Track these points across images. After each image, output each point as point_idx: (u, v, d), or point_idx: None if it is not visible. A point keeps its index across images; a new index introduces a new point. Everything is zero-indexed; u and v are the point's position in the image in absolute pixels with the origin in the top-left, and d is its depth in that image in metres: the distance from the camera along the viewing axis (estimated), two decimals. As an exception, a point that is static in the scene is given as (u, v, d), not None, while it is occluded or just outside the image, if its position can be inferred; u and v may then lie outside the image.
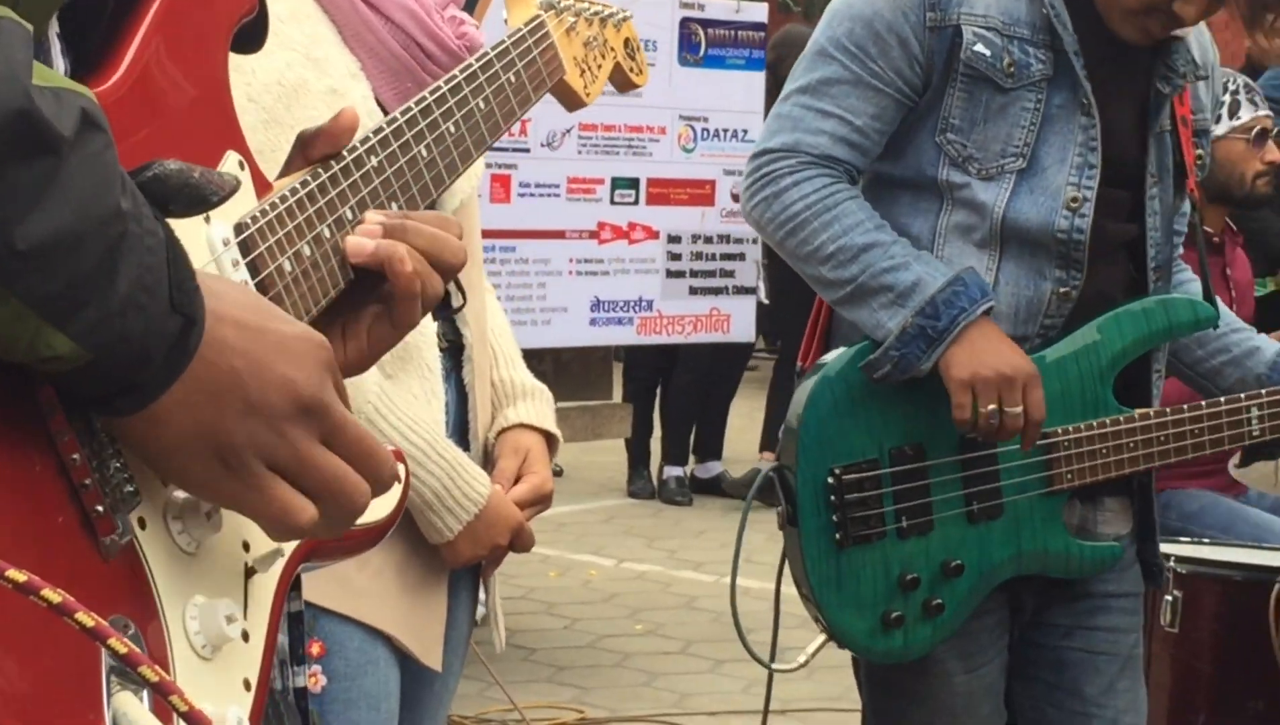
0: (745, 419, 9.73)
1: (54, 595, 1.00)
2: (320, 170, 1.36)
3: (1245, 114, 4.59)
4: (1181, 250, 2.97)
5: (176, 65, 1.24)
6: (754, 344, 8.71)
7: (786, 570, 2.81)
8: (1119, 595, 2.88)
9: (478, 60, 1.62)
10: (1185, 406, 2.82)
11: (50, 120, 1.03)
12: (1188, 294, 2.98)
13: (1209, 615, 3.78)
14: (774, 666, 2.84)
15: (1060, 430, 2.76)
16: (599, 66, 1.98)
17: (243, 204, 1.28)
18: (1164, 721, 3.65)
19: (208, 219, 1.25)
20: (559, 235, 6.42)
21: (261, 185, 1.34)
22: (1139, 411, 2.81)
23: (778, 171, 2.72)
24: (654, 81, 8.33)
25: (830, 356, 2.76)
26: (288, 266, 1.30)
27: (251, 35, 1.34)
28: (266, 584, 1.28)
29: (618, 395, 7.84)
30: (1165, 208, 2.83)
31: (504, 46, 1.69)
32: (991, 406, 2.64)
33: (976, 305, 2.66)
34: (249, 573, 1.26)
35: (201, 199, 1.19)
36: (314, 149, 1.39)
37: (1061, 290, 2.75)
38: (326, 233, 1.34)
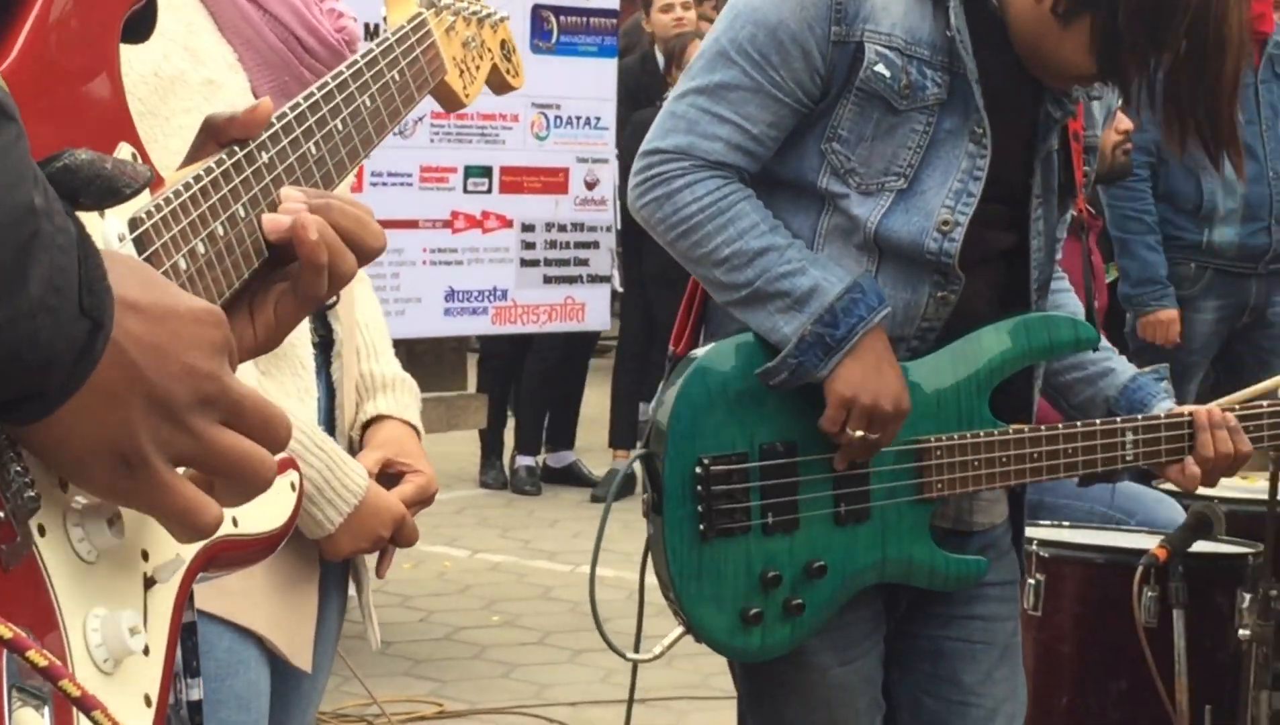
0: (598, 409, 9.71)
1: None
2: (213, 165, 1.31)
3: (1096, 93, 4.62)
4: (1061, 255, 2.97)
5: (68, 52, 1.20)
6: (599, 334, 8.68)
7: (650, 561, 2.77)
8: (995, 584, 2.88)
9: (363, 57, 1.59)
10: (1061, 425, 2.82)
11: None
12: (1066, 308, 3.01)
13: (1071, 598, 3.83)
14: (631, 656, 2.80)
15: (934, 438, 2.76)
16: (477, 68, 1.95)
17: (136, 199, 1.24)
18: (1028, 704, 3.67)
19: (102, 214, 1.20)
20: (412, 225, 6.36)
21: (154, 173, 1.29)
22: (1014, 426, 2.80)
23: (670, 173, 2.70)
24: (506, 69, 8.28)
25: (706, 348, 2.73)
26: (183, 264, 1.26)
27: (140, 25, 1.31)
28: (165, 595, 1.24)
29: (472, 385, 7.78)
30: (1049, 227, 2.83)
31: (388, 44, 1.66)
32: (860, 433, 2.65)
33: (874, 313, 2.65)
34: (148, 583, 1.22)
35: (113, 191, 1.15)
36: (225, 135, 1.35)
37: (939, 295, 2.75)
38: (220, 231, 1.30)
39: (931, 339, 2.78)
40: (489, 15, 1.96)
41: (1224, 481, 4.69)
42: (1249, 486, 4.55)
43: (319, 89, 1.49)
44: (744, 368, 2.70)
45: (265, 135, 1.38)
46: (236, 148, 1.34)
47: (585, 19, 6.87)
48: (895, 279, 2.73)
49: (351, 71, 1.56)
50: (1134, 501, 4.42)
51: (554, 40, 6.74)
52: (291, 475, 1.50)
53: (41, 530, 1.13)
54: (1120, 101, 4.71)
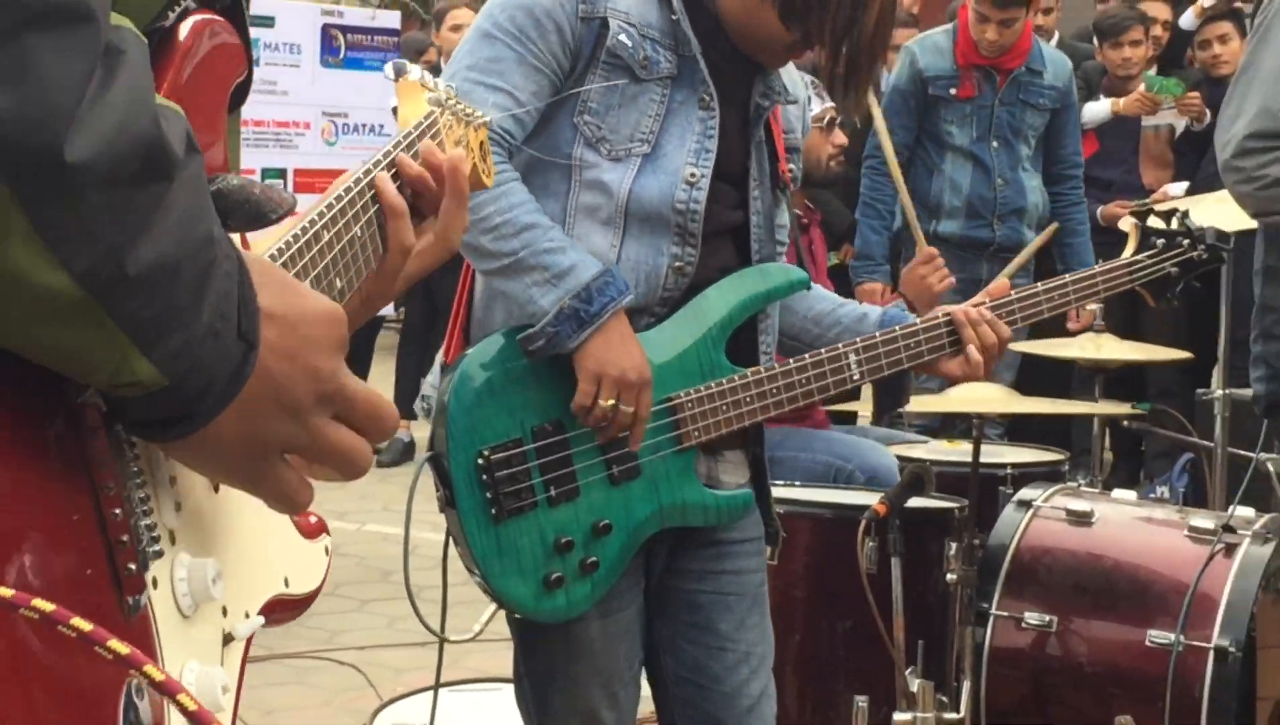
0: (383, 385, 9.61)
1: (122, 645, 0.90)
2: (299, 233, 1.26)
3: (816, 107, 4.75)
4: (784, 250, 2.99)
5: (191, 119, 1.12)
6: (383, 318, 8.62)
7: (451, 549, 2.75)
8: (743, 541, 2.91)
9: (384, 156, 1.52)
10: (791, 360, 2.84)
11: (172, 145, 0.95)
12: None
13: (803, 548, 3.87)
14: (448, 638, 2.78)
15: (683, 393, 2.78)
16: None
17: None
18: (767, 642, 3.72)
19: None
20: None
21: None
22: (751, 370, 2.83)
23: None
24: (299, 81, 8.18)
25: (468, 352, 2.72)
26: None
27: (239, 96, 1.27)
28: (235, 652, 1.21)
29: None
30: (765, 207, 2.88)
31: (410, 139, 1.59)
32: (610, 401, 2.65)
33: (623, 296, 2.66)
34: (226, 639, 1.19)
35: (260, 215, 1.12)
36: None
37: (677, 265, 2.75)
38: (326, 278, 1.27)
39: (672, 309, 2.80)
40: (473, 116, 1.88)
41: (933, 444, 4.84)
42: (955, 449, 4.69)
43: (354, 182, 1.43)
44: (504, 364, 2.70)
45: (324, 219, 1.32)
46: (307, 226, 1.27)
47: (370, 36, 6.83)
48: (638, 250, 2.74)
49: (372, 167, 1.49)
50: (852, 449, 4.47)
51: (341, 55, 6.69)
52: (326, 539, 1.47)
53: (155, 583, 1.08)
54: (831, 116, 4.80)
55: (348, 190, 1.37)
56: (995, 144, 6.27)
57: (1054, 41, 8.28)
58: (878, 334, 2.91)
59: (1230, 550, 3.77)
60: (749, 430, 2.89)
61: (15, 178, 0.88)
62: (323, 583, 1.38)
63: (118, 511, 1.02)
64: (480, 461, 2.66)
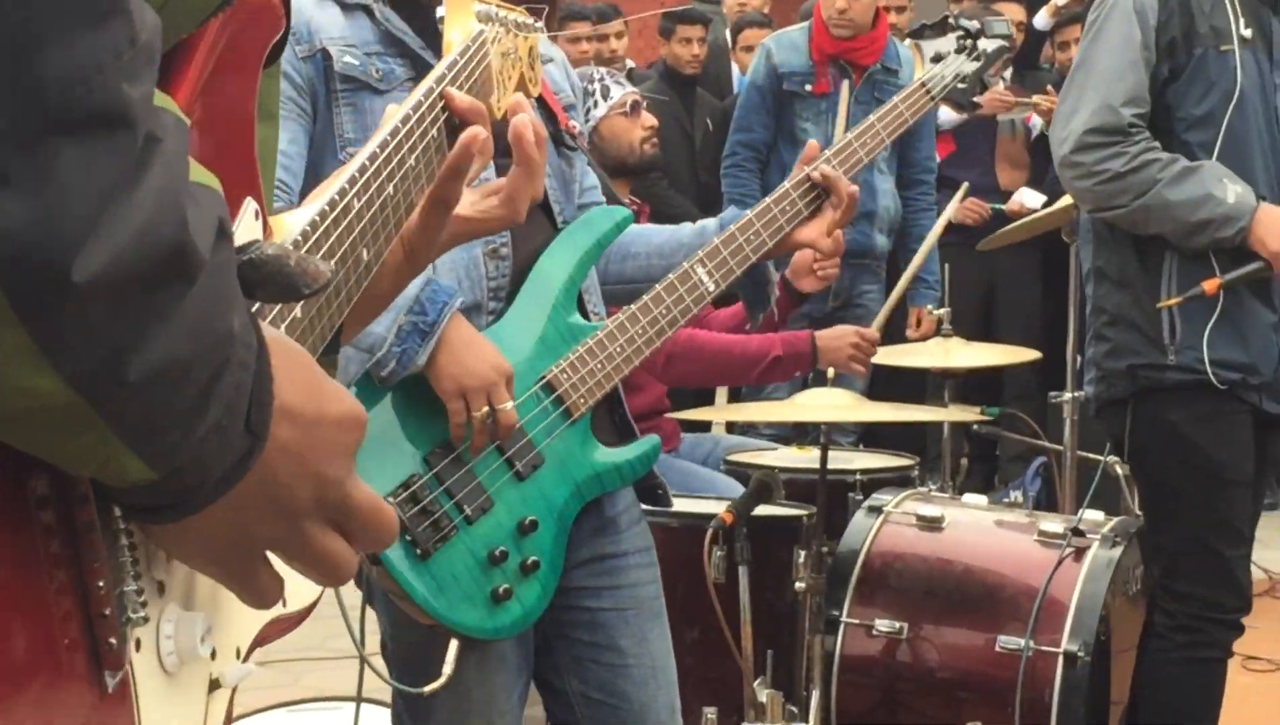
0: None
1: None
2: (318, 218, 1.23)
3: (616, 93, 4.80)
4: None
5: (220, 95, 1.10)
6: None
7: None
8: (633, 553, 2.95)
9: (434, 84, 1.49)
10: (643, 295, 2.88)
11: (198, 245, 0.91)
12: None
13: None
14: (425, 690, 2.73)
15: (554, 368, 2.81)
16: (510, 79, 1.83)
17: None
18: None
19: None
20: None
21: (265, 230, 1.21)
22: (610, 320, 2.88)
23: None
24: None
25: None
26: (299, 313, 1.18)
27: (274, 54, 1.21)
28: (222, 698, 1.16)
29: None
30: (555, 169, 2.90)
31: (458, 65, 1.55)
32: (485, 409, 2.67)
33: (453, 298, 2.69)
34: (213, 685, 1.14)
35: (292, 290, 1.06)
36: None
37: (491, 249, 2.79)
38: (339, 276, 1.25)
39: (505, 300, 2.83)
40: (526, 25, 1.85)
41: (782, 452, 4.91)
42: (804, 456, 4.74)
43: (390, 134, 1.39)
44: (371, 409, 2.68)
45: (355, 185, 1.29)
46: (337, 198, 1.26)
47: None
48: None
49: (416, 109, 1.45)
50: (705, 482, 4.55)
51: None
52: None
53: (138, 644, 1.04)
54: (635, 100, 4.84)
55: (394, 132, 1.35)
56: None
57: (907, 42, 8.44)
58: (716, 239, 2.95)
59: (1079, 554, 3.87)
60: (609, 395, 2.92)
61: (11, 286, 0.86)
62: (321, 594, 1.35)
63: (101, 584, 0.99)
64: None
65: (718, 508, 3.76)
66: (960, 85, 3.30)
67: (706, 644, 3.81)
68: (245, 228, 1.14)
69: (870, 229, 6.49)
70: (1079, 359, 5.78)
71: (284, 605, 1.27)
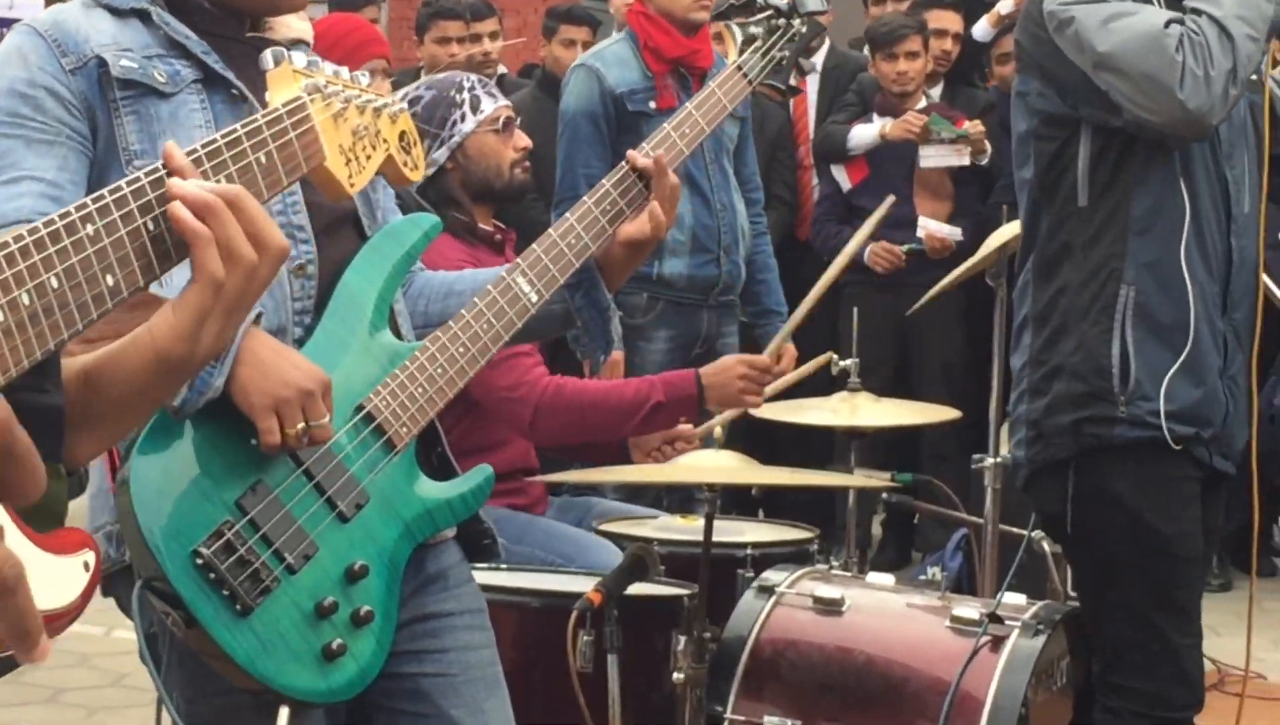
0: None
1: None
2: (37, 227, 1.37)
3: (487, 106, 4.73)
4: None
5: None
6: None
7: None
8: (460, 613, 2.99)
9: (224, 137, 1.59)
10: (464, 310, 2.98)
11: None
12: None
13: (508, 643, 3.79)
14: None
15: (372, 395, 2.86)
16: (368, 157, 1.95)
17: None
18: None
19: None
20: None
21: None
22: (428, 338, 2.94)
23: None
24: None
25: (127, 466, 2.72)
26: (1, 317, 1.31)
27: None
28: None
29: None
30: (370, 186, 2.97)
31: (256, 125, 1.65)
32: (300, 425, 2.70)
33: (251, 311, 2.68)
34: None
35: None
36: None
37: (295, 266, 2.84)
38: (43, 289, 1.38)
39: (311, 321, 2.87)
40: (386, 105, 1.94)
41: (663, 520, 4.91)
42: (689, 526, 4.74)
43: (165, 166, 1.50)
44: (170, 449, 2.72)
45: (95, 208, 1.43)
46: (57, 218, 1.39)
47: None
48: None
49: (208, 150, 1.57)
50: (575, 545, 4.55)
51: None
52: (87, 554, 1.51)
53: None
54: (507, 116, 4.84)
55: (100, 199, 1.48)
56: (707, 161, 6.35)
57: (824, 50, 8.49)
58: (535, 246, 3.04)
59: (997, 643, 3.89)
60: (426, 430, 2.95)
61: None
62: (81, 597, 1.48)
63: None
64: (199, 562, 2.67)
65: (584, 585, 3.75)
66: (778, 69, 3.42)
67: (569, 735, 3.77)
68: None
69: (738, 258, 6.46)
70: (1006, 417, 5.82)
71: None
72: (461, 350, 2.94)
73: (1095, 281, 3.88)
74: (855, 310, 5.61)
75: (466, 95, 4.72)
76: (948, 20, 8.34)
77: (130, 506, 2.68)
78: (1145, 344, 3.84)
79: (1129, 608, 3.90)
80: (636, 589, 3.73)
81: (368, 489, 2.83)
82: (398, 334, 2.97)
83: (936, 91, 8.25)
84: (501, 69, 8.87)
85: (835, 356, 5.23)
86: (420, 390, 2.89)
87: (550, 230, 3.07)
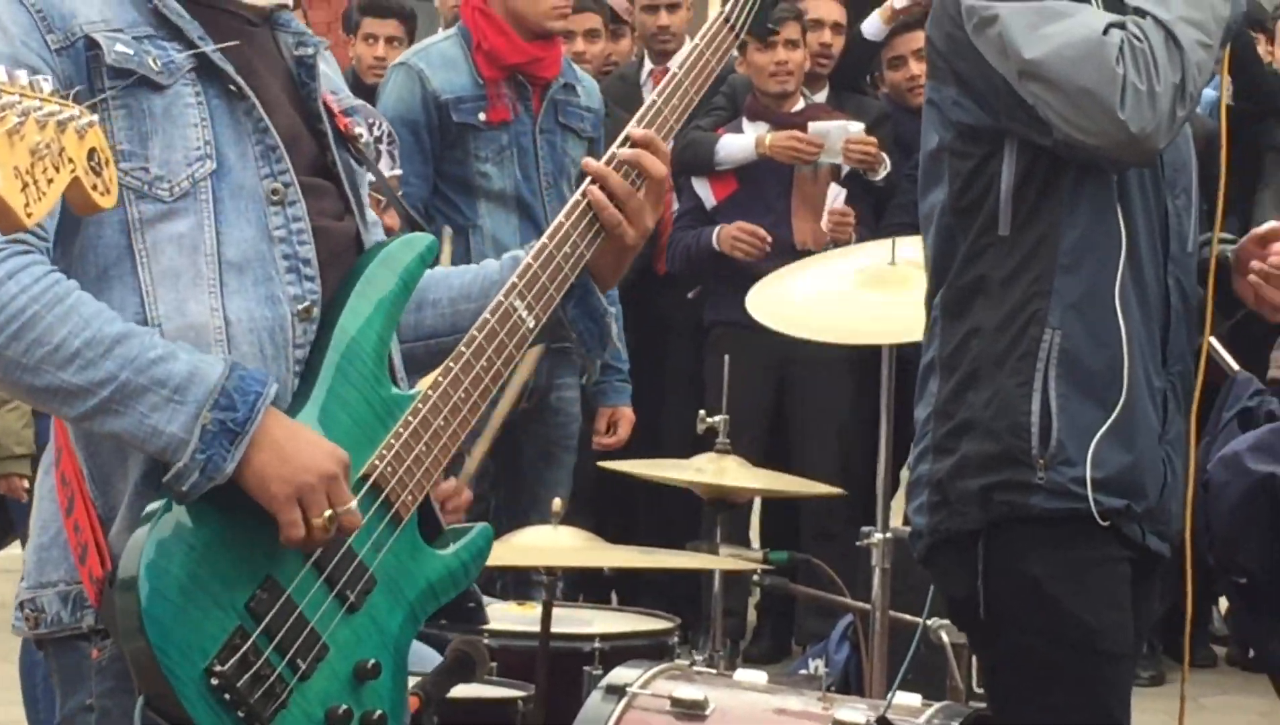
0: None
1: None
2: None
3: (384, 168, 4.71)
4: None
5: None
6: None
7: None
8: None
9: None
10: (461, 345, 2.93)
11: None
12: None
13: None
14: None
15: (376, 459, 2.84)
16: (49, 181, 1.93)
17: None
18: None
19: None
20: None
21: None
22: (428, 386, 2.91)
23: None
24: None
25: (134, 562, 2.66)
26: None
27: None
28: None
29: None
30: (352, 186, 3.00)
31: None
32: (327, 513, 2.70)
33: (268, 386, 2.70)
34: None
35: None
36: None
37: (301, 308, 2.83)
38: None
39: (310, 369, 2.86)
40: (72, 118, 1.94)
41: (497, 608, 4.72)
42: (527, 615, 4.68)
43: None
44: (177, 553, 2.67)
45: None
46: None
47: None
48: (249, 303, 2.79)
49: None
50: None
51: None
52: None
53: None
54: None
55: None
56: (543, 185, 6.22)
57: (687, 48, 8.22)
58: (528, 257, 3.00)
59: (887, 754, 3.85)
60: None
61: None
62: None
63: None
64: (214, 681, 2.67)
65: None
66: (763, 10, 3.35)
67: None
68: None
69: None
70: (897, 484, 5.63)
71: None
72: (464, 396, 2.91)
73: (1014, 323, 3.74)
74: (725, 357, 5.52)
75: (370, 142, 4.57)
76: (825, 9, 8.05)
77: (138, 618, 2.64)
78: (1070, 399, 3.70)
79: (1045, 711, 3.75)
80: (461, 691, 3.55)
81: (376, 573, 2.85)
82: (394, 377, 2.96)
83: (821, 96, 7.96)
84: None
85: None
86: (424, 449, 2.87)
87: (544, 237, 3.03)
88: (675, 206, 7.87)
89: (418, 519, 2.95)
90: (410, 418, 2.87)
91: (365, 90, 7.73)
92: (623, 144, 3.12)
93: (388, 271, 2.92)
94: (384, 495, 2.84)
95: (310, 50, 2.97)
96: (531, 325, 2.99)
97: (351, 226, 2.97)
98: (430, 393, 2.89)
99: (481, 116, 6.21)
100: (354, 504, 2.73)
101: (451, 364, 2.92)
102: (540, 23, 6.21)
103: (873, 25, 8.05)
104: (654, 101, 3.17)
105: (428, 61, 6.29)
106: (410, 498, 2.86)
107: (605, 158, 3.10)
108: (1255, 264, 3.79)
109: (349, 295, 2.88)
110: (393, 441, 2.84)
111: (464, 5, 6.46)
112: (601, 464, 5.09)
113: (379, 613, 2.84)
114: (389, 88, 6.33)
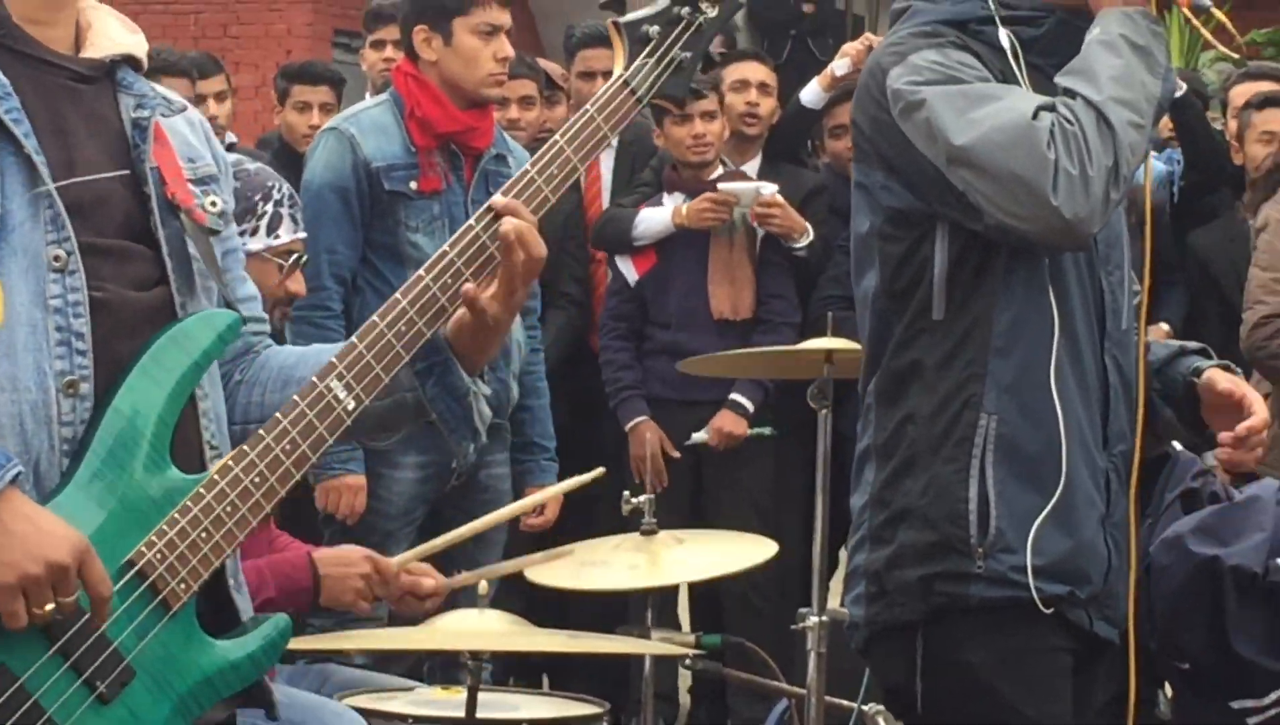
0: None
1: None
2: None
3: (285, 234, 4.59)
4: None
5: None
6: None
7: None
8: None
9: None
10: (261, 429, 2.89)
11: None
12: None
13: None
14: None
15: (144, 547, 2.78)
16: None
17: None
18: None
19: None
20: None
21: None
22: (215, 470, 2.86)
23: None
24: None
25: None
26: None
27: None
28: None
29: None
30: (180, 262, 2.93)
31: None
32: (50, 606, 2.66)
33: (8, 469, 2.66)
34: None
35: None
36: None
37: (68, 382, 2.78)
38: None
39: (77, 451, 2.79)
40: None
41: (419, 692, 4.68)
42: (449, 699, 4.63)
43: None
44: None
45: None
46: None
47: None
48: (17, 372, 2.74)
49: None
50: (310, 713, 4.33)
51: None
52: None
53: None
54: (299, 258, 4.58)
55: None
56: None
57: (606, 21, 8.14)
58: (353, 336, 2.95)
59: (824, 845, 3.87)
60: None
61: None
62: None
63: None
64: None
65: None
66: (678, 72, 3.24)
67: None
68: None
69: (506, 375, 6.25)
70: (832, 567, 5.60)
71: None
72: (257, 480, 2.86)
73: (949, 409, 3.72)
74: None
75: (270, 208, 4.58)
76: (749, 70, 7.91)
77: None
78: (1008, 485, 3.69)
79: None
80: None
81: (134, 664, 2.78)
82: (199, 451, 2.91)
83: (754, 165, 7.83)
84: (231, 137, 8.54)
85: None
86: (204, 536, 2.82)
87: (375, 316, 2.96)
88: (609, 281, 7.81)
89: (207, 608, 2.89)
90: (190, 504, 2.82)
91: (297, 159, 7.65)
92: (484, 215, 3.05)
93: (178, 350, 2.86)
94: (149, 582, 2.78)
95: (146, 113, 2.92)
96: (351, 407, 2.93)
97: (162, 296, 2.90)
98: (217, 478, 2.84)
99: (413, 185, 6.14)
100: (75, 598, 2.66)
101: (246, 448, 2.88)
102: (476, 90, 6.16)
103: (812, 93, 7.93)
104: (526, 171, 3.10)
105: (359, 127, 6.21)
106: (183, 586, 2.80)
107: (459, 231, 3.03)
108: (1222, 453, 3.76)
109: (129, 374, 2.83)
110: (165, 528, 2.79)
111: (396, 71, 6.41)
112: (529, 579, 5.01)
113: (138, 704, 2.78)
114: (318, 152, 6.25)
